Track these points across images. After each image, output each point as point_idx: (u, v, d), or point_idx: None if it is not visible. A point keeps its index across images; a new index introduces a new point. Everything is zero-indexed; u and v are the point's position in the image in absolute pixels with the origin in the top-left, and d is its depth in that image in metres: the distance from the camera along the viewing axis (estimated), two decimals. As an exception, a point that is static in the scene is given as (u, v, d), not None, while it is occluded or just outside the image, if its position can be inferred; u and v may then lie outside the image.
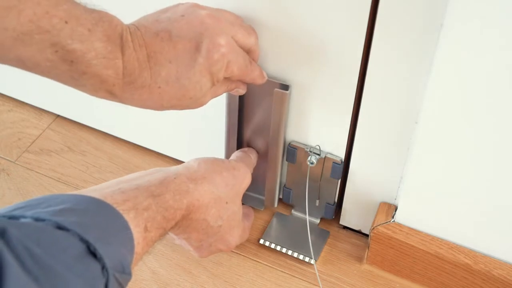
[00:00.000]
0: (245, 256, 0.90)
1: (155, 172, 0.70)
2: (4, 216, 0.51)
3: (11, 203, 0.58)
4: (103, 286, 0.52)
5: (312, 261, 0.88)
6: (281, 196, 0.93)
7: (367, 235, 0.90)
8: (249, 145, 0.88)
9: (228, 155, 0.88)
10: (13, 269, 0.45)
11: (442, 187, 0.77)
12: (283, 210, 0.95)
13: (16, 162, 1.01)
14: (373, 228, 0.84)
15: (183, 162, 0.81)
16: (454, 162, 0.74)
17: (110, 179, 0.77)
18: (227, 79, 0.70)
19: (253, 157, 0.86)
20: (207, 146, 0.92)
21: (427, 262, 0.83)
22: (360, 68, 0.73)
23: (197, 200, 0.71)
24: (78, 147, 1.03)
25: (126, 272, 0.55)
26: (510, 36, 0.60)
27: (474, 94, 0.66)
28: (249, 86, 0.75)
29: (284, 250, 0.89)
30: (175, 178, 0.70)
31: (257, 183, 0.90)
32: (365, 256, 0.89)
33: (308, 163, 0.85)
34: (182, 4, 0.68)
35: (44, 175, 0.99)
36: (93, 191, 0.61)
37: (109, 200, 0.59)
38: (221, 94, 0.72)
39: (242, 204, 0.80)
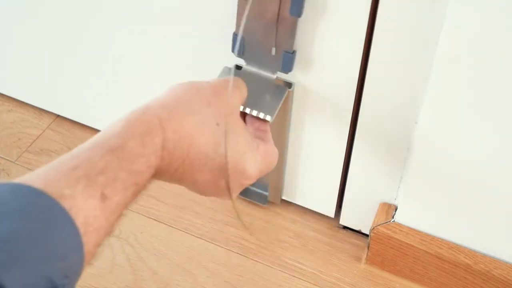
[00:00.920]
0: (245, 256, 0.90)
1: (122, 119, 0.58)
2: None
3: (11, 203, 0.58)
4: None
5: (268, 118, 0.71)
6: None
7: (367, 235, 0.90)
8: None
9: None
10: None
11: (442, 187, 0.77)
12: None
13: (16, 162, 1.01)
14: (373, 228, 0.84)
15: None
16: (454, 162, 0.74)
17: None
18: None
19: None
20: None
21: (427, 262, 0.83)
22: (360, 68, 0.73)
23: (175, 131, 0.57)
24: (78, 147, 1.03)
25: (62, 283, 0.45)
26: (510, 36, 0.60)
27: (474, 94, 0.66)
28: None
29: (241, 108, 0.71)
30: (144, 113, 0.57)
31: (261, 178, 0.89)
32: (365, 256, 0.89)
33: None
34: None
35: (44, 175, 0.99)
36: (38, 171, 0.49)
37: (49, 181, 0.47)
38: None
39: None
